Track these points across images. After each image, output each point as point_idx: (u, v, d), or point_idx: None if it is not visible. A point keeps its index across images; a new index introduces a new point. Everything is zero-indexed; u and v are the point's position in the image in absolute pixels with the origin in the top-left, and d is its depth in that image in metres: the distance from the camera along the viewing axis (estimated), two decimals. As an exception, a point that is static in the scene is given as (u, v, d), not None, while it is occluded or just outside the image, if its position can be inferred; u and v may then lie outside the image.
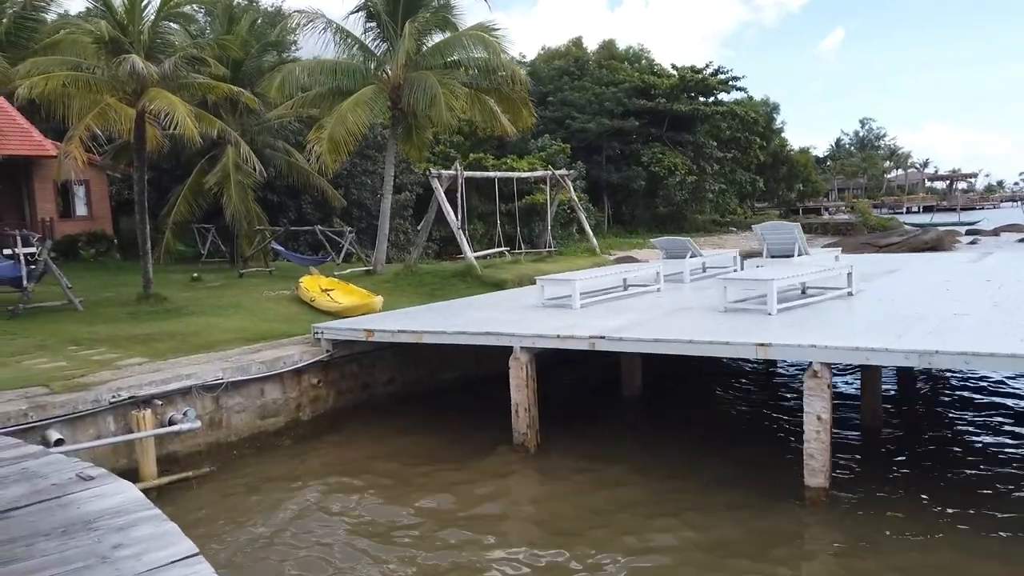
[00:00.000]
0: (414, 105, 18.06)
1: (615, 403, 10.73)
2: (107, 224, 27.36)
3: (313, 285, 15.00)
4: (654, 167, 45.34)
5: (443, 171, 16.20)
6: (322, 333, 10.29)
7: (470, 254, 15.96)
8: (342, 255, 18.17)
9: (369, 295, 13.43)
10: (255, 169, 17.25)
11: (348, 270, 18.16)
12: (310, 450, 9.70)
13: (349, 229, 18.35)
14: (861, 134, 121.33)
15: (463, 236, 16.34)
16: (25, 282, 13.38)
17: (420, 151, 22.28)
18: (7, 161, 22.62)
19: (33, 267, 13.63)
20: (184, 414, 8.68)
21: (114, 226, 28.11)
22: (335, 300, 13.75)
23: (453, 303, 12.29)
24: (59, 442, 7.63)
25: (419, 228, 15.42)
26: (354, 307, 12.81)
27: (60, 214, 26.40)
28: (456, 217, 16.29)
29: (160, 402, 8.58)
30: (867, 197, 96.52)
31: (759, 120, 53.30)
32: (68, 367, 9.44)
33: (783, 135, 63.04)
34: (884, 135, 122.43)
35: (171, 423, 8.59)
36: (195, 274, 18.56)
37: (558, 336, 8.32)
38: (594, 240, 24.19)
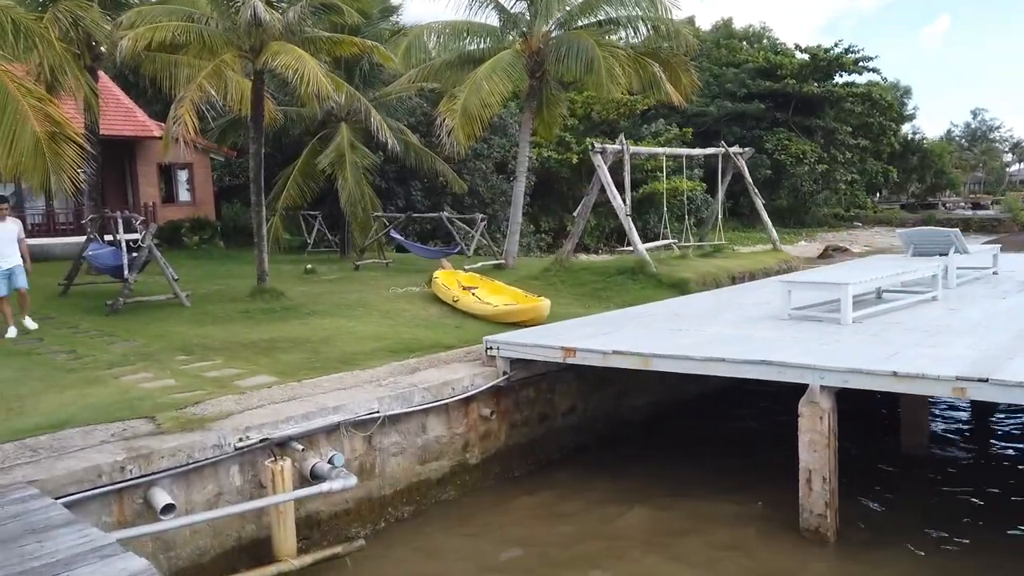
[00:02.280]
0: (563, 72, 15.39)
1: (895, 458, 7.72)
2: (210, 210, 25.93)
3: (451, 281, 12.53)
4: (779, 154, 41.25)
5: (607, 145, 13.50)
6: (498, 349, 7.70)
7: (641, 247, 13.17)
8: (473, 247, 15.71)
9: (532, 297, 10.82)
10: (388, 144, 14.86)
11: (479, 264, 15.67)
12: (484, 510, 7.14)
13: (481, 216, 15.89)
14: (973, 125, 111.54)
15: (631, 225, 13.57)
16: (127, 272, 11.43)
17: (551, 128, 19.57)
18: (110, 142, 21.11)
19: (136, 255, 11.68)
20: (330, 461, 6.25)
21: (216, 213, 26.70)
22: (484, 301, 11.21)
23: (650, 311, 9.48)
24: (168, 509, 5.28)
25: (575, 215, 12.79)
26: (513, 312, 10.23)
27: (162, 199, 25.12)
28: (624, 201, 13.52)
29: (300, 446, 6.16)
30: (986, 192, 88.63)
31: (893, 104, 48.22)
32: (177, 388, 7.18)
33: (914, 122, 57.55)
34: (999, 126, 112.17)
35: (314, 475, 6.16)
36: (308, 265, 16.49)
37: (894, 374, 5.41)
38: (774, 232, 20.92)
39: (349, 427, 6.59)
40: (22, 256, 9.71)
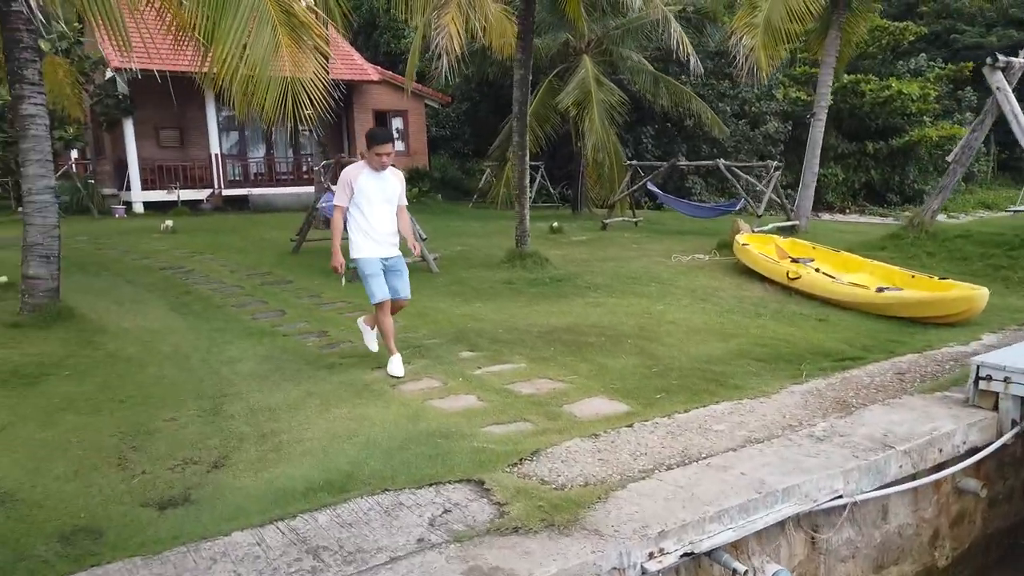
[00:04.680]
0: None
1: None
2: (424, 161, 24.42)
3: (768, 249, 9.40)
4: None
5: (1012, 59, 9.47)
6: (1006, 382, 4.49)
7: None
8: (764, 203, 12.37)
9: (941, 281, 7.38)
10: (691, 67, 11.79)
11: (770, 226, 12.32)
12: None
13: (775, 163, 12.46)
14: None
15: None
16: (371, 229, 9.38)
17: (846, 53, 15.47)
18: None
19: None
20: (774, 585, 3.47)
21: (428, 164, 25.16)
22: (848, 281, 7.92)
23: None
24: None
25: (951, 160, 9.07)
26: (925, 303, 6.86)
27: (377, 149, 23.81)
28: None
29: (740, 567, 3.40)
30: None
31: None
32: (487, 413, 4.72)
33: None
34: None
35: (754, 612, 3.41)
36: (554, 223, 13.99)
37: None
38: None
39: (798, 522, 3.76)
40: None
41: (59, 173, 20.07)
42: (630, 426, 4.45)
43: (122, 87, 18.36)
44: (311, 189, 21.14)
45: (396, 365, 5.49)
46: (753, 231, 11.29)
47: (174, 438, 4.44)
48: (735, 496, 3.53)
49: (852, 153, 30.57)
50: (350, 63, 22.24)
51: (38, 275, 6.86)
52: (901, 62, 34.07)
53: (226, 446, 4.32)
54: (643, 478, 3.73)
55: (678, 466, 3.89)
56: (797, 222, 12.72)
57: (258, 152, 22.70)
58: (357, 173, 5.34)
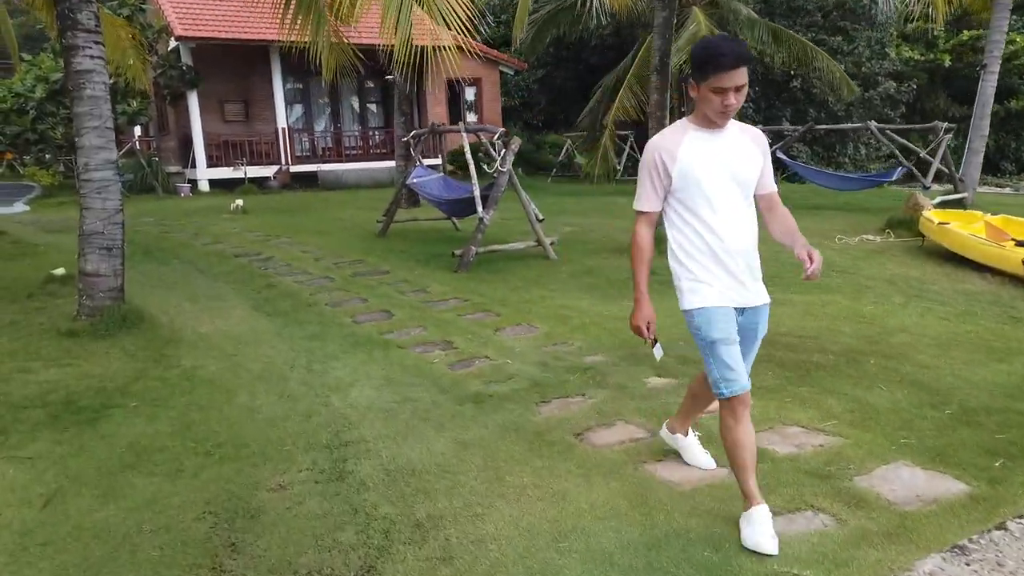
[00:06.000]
0: None
1: None
2: (499, 132, 22.79)
3: (975, 228, 7.53)
4: None
5: None
6: None
7: None
8: (932, 172, 10.42)
9: None
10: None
11: (938, 199, 10.37)
12: None
13: (945, 125, 10.48)
14: None
15: None
16: (480, 210, 7.89)
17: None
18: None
19: (492, 184, 8.12)
20: None
21: (502, 136, 23.52)
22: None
23: None
24: None
25: None
26: None
27: (449, 120, 22.33)
28: None
29: None
30: None
31: None
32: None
33: None
34: None
35: None
36: (671, 199, 12.23)
37: None
38: None
39: None
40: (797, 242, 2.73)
41: (124, 150, 19.18)
42: (1002, 528, 2.79)
43: (186, 58, 17.20)
44: (382, 164, 19.82)
45: (764, 533, 2.66)
46: (933, 207, 9.37)
47: (288, 525, 2.99)
48: None
49: (964, 117, 27.88)
50: (421, 27, 20.64)
51: (98, 271, 5.53)
52: (1015, 16, 30.89)
53: (368, 544, 2.84)
54: None
55: None
56: (965, 194, 10.72)
57: (324, 125, 21.44)
58: (676, 141, 2.64)
